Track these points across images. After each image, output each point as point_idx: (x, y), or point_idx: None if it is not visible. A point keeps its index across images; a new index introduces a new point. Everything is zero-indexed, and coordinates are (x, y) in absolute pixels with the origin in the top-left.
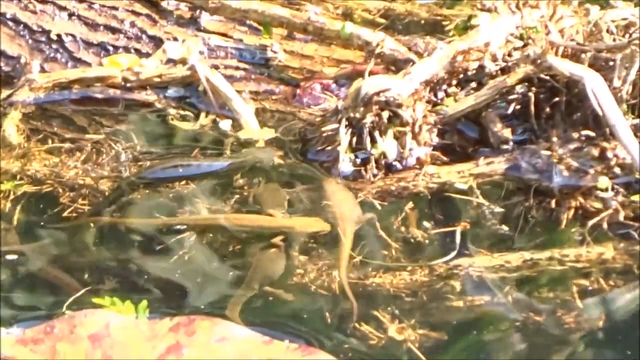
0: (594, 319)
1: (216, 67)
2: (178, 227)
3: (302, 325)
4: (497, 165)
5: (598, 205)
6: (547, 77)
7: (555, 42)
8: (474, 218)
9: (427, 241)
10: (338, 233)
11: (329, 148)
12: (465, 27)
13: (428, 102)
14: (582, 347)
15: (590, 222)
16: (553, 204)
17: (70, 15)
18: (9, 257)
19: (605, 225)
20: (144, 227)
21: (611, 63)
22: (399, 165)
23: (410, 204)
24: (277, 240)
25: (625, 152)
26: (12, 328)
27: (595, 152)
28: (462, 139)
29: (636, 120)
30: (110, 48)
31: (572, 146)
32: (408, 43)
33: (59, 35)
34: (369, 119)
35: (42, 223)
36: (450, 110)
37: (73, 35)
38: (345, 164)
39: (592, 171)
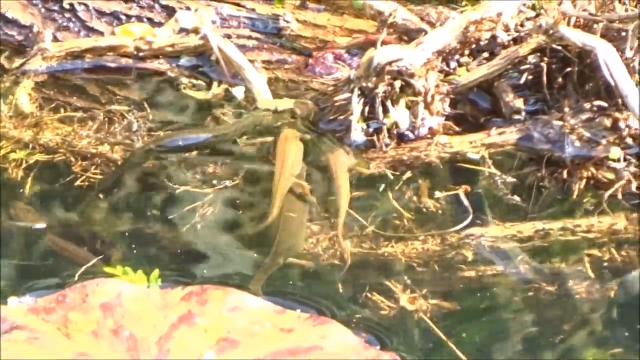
0: (606, 289)
1: (228, 37)
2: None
3: (314, 295)
4: (509, 135)
5: (610, 175)
6: (560, 48)
7: (568, 13)
8: (485, 188)
9: (439, 211)
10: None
11: (341, 117)
12: None
13: (440, 71)
14: (593, 318)
15: (607, 193)
16: (565, 174)
17: None
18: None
19: (620, 196)
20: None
21: (623, 33)
22: (411, 135)
23: (422, 174)
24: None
25: (637, 123)
26: (24, 297)
27: (608, 122)
28: (474, 108)
29: None
30: (123, 17)
31: (584, 116)
32: (420, 13)
33: (71, 4)
34: (382, 88)
35: (54, 192)
36: (462, 80)
37: (85, 4)
38: (357, 134)
39: (604, 141)
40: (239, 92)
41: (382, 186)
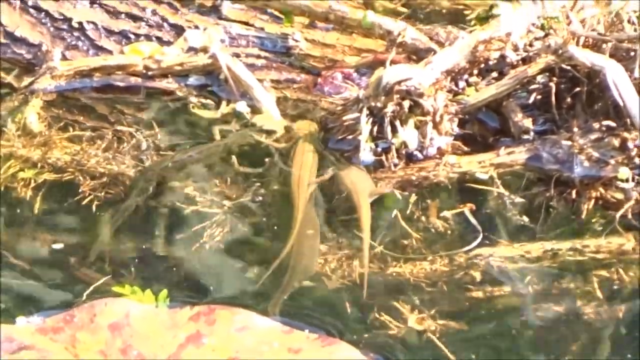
0: (614, 310)
1: (237, 56)
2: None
3: (322, 315)
4: (518, 155)
5: (619, 196)
6: (568, 67)
7: (577, 32)
8: (494, 208)
9: (447, 231)
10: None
11: (350, 137)
12: (487, 17)
13: (449, 91)
14: (601, 339)
15: (618, 214)
16: (574, 194)
17: (92, 2)
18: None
19: (630, 216)
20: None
21: (632, 53)
22: (419, 155)
23: (431, 194)
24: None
25: None
26: (32, 317)
27: (616, 142)
28: (483, 128)
29: None
30: (132, 36)
31: (593, 136)
32: (429, 32)
33: (80, 23)
34: (390, 108)
35: (62, 211)
36: (471, 99)
37: (94, 23)
38: (366, 153)
39: (612, 162)
40: (242, 107)
41: (391, 206)
